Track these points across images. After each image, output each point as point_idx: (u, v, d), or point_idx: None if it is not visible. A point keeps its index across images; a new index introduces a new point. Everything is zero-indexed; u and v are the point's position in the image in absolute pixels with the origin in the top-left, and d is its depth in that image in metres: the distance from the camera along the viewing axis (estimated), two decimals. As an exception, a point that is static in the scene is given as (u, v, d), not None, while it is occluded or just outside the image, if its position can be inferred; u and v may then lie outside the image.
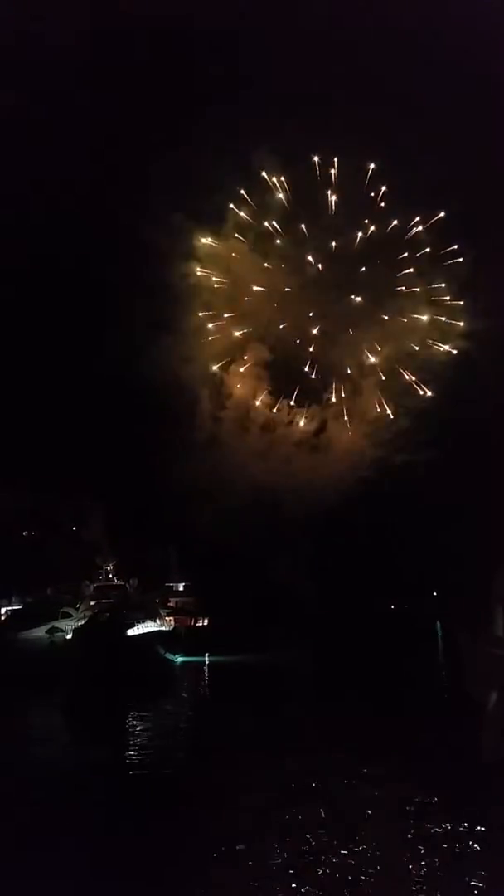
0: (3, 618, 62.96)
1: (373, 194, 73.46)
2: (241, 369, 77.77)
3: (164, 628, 61.38)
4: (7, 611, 63.55)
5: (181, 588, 73.33)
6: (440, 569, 69.20)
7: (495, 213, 63.54)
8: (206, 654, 61.29)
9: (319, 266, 76.15)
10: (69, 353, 70.84)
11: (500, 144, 62.02)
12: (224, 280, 76.77)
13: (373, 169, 71.35)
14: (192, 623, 69.72)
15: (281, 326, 77.72)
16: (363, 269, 75.36)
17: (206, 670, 58.41)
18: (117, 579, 68.49)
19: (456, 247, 72.01)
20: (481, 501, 62.75)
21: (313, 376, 78.45)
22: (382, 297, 75.54)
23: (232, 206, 73.98)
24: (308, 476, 75.67)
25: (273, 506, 75.05)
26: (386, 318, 76.56)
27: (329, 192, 73.88)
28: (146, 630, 57.14)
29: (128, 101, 65.72)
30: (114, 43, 61.20)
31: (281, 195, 74.41)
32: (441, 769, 26.49)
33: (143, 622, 57.92)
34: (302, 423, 78.72)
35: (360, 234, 74.88)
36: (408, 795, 23.36)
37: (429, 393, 75.59)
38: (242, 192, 73.79)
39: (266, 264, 76.25)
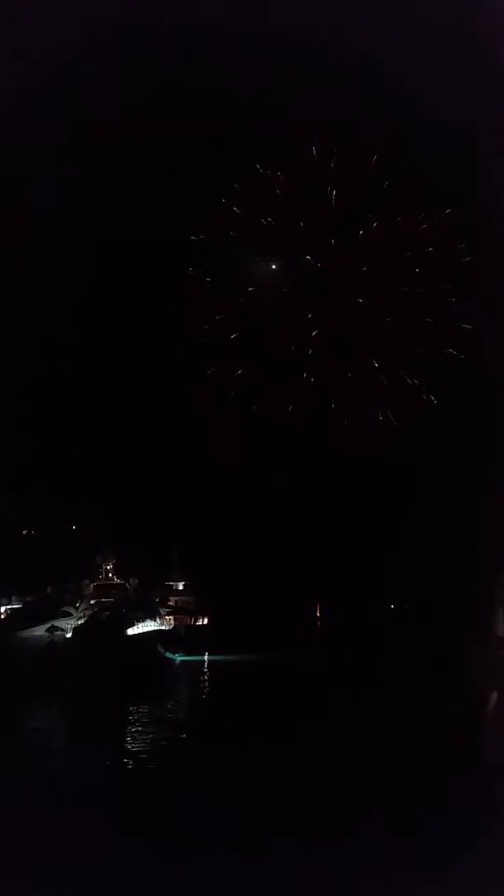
0: (2, 616, 62.96)
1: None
2: (238, 371, 77.49)
3: (164, 627, 61.43)
4: (7, 609, 63.54)
5: (181, 587, 73.33)
6: (440, 569, 69.14)
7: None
8: (206, 653, 61.35)
9: (318, 265, 75.75)
10: (67, 351, 70.80)
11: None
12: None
13: (377, 162, 70.24)
14: (192, 622, 69.75)
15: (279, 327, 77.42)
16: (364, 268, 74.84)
17: (206, 669, 58.45)
18: (117, 578, 68.49)
19: (463, 246, 71.34)
20: (482, 502, 62.81)
21: (313, 379, 78.14)
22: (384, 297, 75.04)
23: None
24: (307, 476, 75.47)
25: (270, 506, 74.93)
26: (388, 319, 76.22)
27: (330, 188, 73.03)
28: (146, 629, 57.16)
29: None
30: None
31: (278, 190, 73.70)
32: (442, 769, 26.47)
33: (143, 621, 57.94)
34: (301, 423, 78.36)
35: (361, 231, 74.36)
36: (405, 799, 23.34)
37: (433, 398, 75.15)
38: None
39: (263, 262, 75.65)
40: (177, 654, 58.76)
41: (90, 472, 71.52)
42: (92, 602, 62.17)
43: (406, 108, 63.09)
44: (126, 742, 33.44)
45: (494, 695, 35.32)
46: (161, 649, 55.86)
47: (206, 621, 70.80)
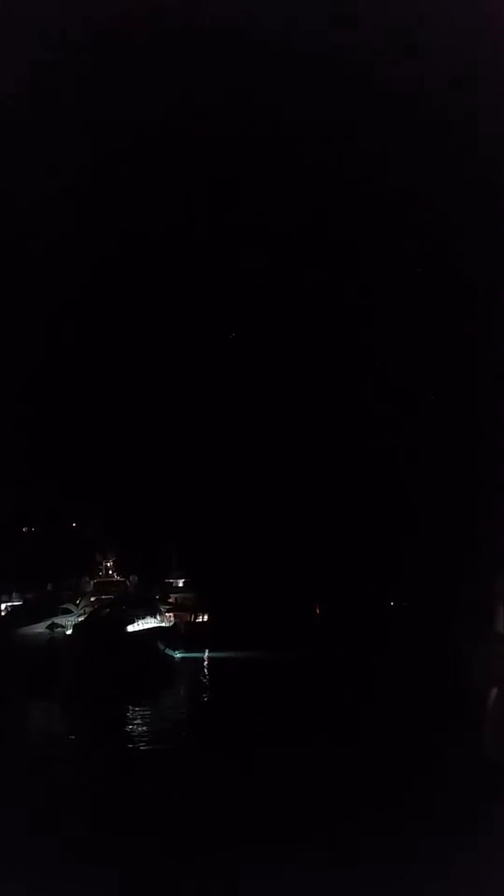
0: (2, 613, 63.06)
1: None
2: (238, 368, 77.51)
3: (164, 624, 61.53)
4: (7, 606, 63.64)
5: (181, 584, 73.47)
6: (440, 566, 69.21)
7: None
8: (206, 651, 61.47)
9: None
10: (67, 349, 70.84)
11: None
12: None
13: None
14: (192, 619, 69.90)
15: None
16: None
17: (206, 666, 58.57)
18: (117, 575, 68.62)
19: None
20: (482, 499, 62.88)
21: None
22: None
23: None
24: (307, 474, 75.61)
25: (270, 503, 75.05)
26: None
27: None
28: (146, 626, 57.28)
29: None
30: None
31: None
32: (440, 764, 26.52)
33: (143, 618, 58.05)
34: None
35: None
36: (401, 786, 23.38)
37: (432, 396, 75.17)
38: None
39: None
40: (177, 651, 58.91)
41: (90, 469, 71.70)
42: (92, 599, 62.31)
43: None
44: (125, 740, 33.49)
45: (494, 691, 35.46)
46: (161, 646, 55.95)
47: (205, 618, 70.97)
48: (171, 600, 70.42)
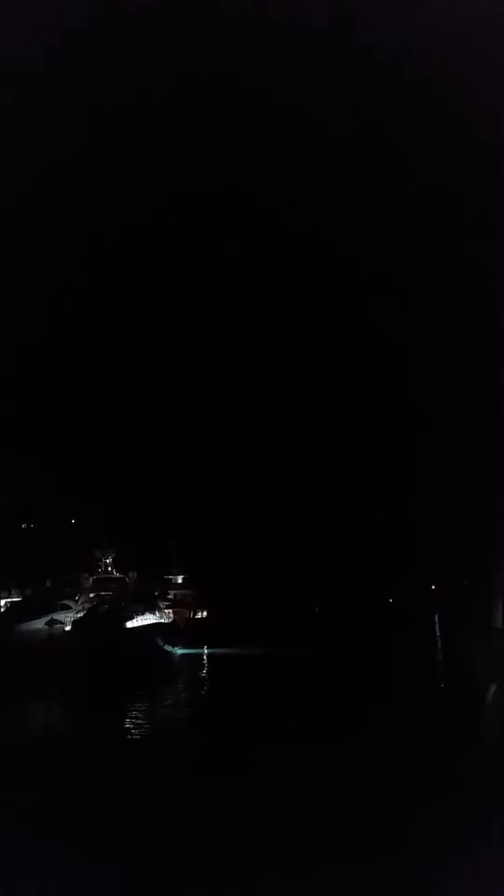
0: (2, 609, 63.06)
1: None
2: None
3: (163, 620, 61.59)
4: (6, 603, 63.65)
5: (180, 580, 73.54)
6: (439, 562, 69.29)
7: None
8: (205, 647, 61.53)
9: None
10: (66, 348, 70.81)
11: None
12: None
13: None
14: (191, 615, 69.98)
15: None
16: None
17: (205, 662, 58.60)
18: (116, 572, 68.60)
19: None
20: (480, 493, 62.90)
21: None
22: None
23: None
24: (307, 471, 75.58)
25: (270, 501, 75.07)
26: None
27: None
28: (145, 622, 57.33)
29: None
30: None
31: None
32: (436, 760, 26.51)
33: (143, 614, 58.11)
34: None
35: None
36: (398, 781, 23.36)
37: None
38: None
39: None
40: (176, 648, 58.94)
41: (90, 466, 71.77)
42: (91, 595, 62.27)
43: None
44: (125, 735, 33.47)
45: (493, 687, 35.40)
46: (160, 642, 55.98)
47: (204, 615, 71.05)
48: (170, 597, 70.50)
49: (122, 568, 69.08)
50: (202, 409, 78.44)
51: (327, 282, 75.55)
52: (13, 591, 64.20)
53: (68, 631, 54.91)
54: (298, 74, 58.95)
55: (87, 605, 59.76)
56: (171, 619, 64.08)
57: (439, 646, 56.10)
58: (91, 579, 66.19)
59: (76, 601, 61.60)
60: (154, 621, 59.14)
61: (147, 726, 34.72)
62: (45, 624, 56.45)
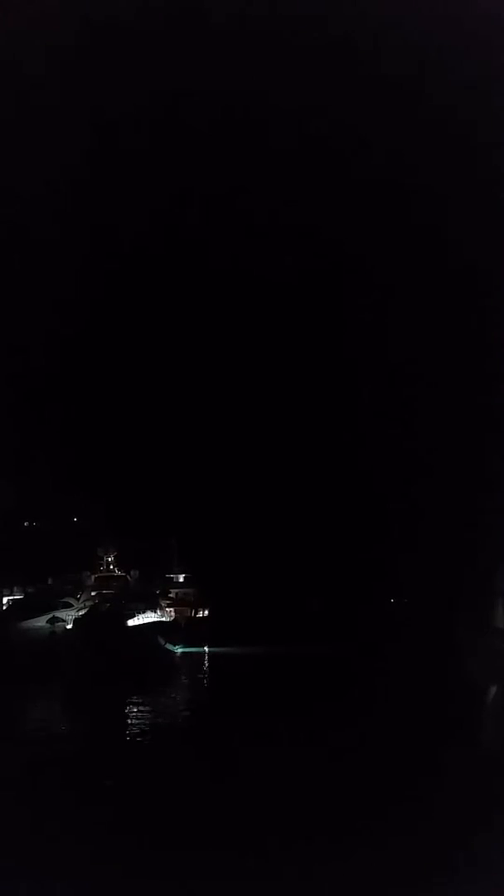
0: (4, 607, 63.19)
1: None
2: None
3: (164, 619, 61.64)
4: (8, 600, 63.79)
5: (181, 579, 73.59)
6: (441, 562, 69.30)
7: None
8: (206, 645, 61.61)
9: None
10: (67, 346, 70.96)
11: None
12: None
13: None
14: (193, 614, 70.03)
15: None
16: None
17: (206, 661, 58.71)
18: (118, 570, 68.70)
19: None
20: (480, 494, 62.93)
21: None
22: None
23: None
24: (309, 471, 75.60)
25: (271, 499, 75.13)
26: None
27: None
28: (146, 620, 57.39)
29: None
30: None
31: None
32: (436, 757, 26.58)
33: (144, 612, 58.18)
34: None
35: None
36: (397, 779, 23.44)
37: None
38: None
39: None
40: (177, 646, 59.00)
41: (92, 464, 71.84)
42: (93, 593, 62.38)
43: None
44: (126, 733, 33.57)
45: (493, 686, 35.51)
46: (161, 641, 56.04)
47: (206, 613, 71.11)
48: (171, 595, 70.54)
49: (124, 566, 69.17)
50: (204, 407, 78.49)
51: (329, 282, 75.55)
52: (15, 589, 64.35)
53: (70, 629, 55.02)
54: (297, 73, 59.17)
55: (88, 604, 59.85)
56: (172, 618, 64.12)
57: (439, 645, 55.92)
58: (93, 577, 66.30)
59: (78, 599, 61.70)
60: (155, 620, 59.21)
61: (147, 725, 34.79)
62: (47, 622, 56.54)
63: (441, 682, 43.20)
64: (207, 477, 74.52)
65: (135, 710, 38.09)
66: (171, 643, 57.96)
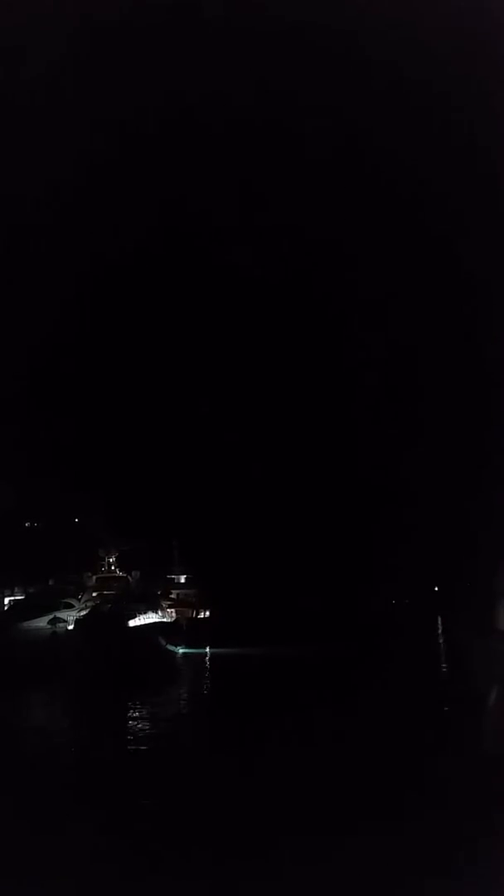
0: (5, 608, 63.25)
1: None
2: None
3: (165, 620, 61.73)
4: (9, 601, 63.86)
5: (183, 580, 73.65)
6: (441, 563, 69.27)
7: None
8: (208, 646, 61.64)
9: None
10: (67, 346, 70.91)
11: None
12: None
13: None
14: (194, 615, 70.07)
15: None
16: None
17: (208, 662, 58.72)
18: (119, 571, 68.80)
19: None
20: (481, 494, 62.87)
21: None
22: None
23: None
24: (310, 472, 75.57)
25: (273, 500, 75.10)
26: None
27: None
28: (148, 621, 57.47)
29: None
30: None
31: None
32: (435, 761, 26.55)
33: (145, 613, 58.29)
34: None
35: None
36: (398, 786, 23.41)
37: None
38: None
39: None
40: (178, 647, 59.03)
41: (93, 464, 71.86)
42: (94, 594, 62.50)
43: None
44: (128, 733, 33.54)
45: (494, 689, 35.39)
46: (163, 642, 56.10)
47: (207, 614, 71.15)
48: (172, 596, 70.61)
49: (125, 567, 69.26)
50: (205, 407, 78.45)
51: (325, 279, 75.47)
52: (16, 590, 64.43)
53: (71, 629, 55.10)
54: (294, 70, 59.02)
55: (89, 604, 59.97)
56: (173, 619, 64.20)
57: (441, 646, 56.07)
58: (94, 578, 66.44)
59: (79, 600, 61.82)
60: (157, 620, 59.31)
61: (149, 727, 34.75)
62: (48, 622, 56.63)
63: (441, 684, 43.27)
64: (208, 477, 74.55)
65: (135, 712, 38.08)
66: (172, 644, 58.03)
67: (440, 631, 68.25)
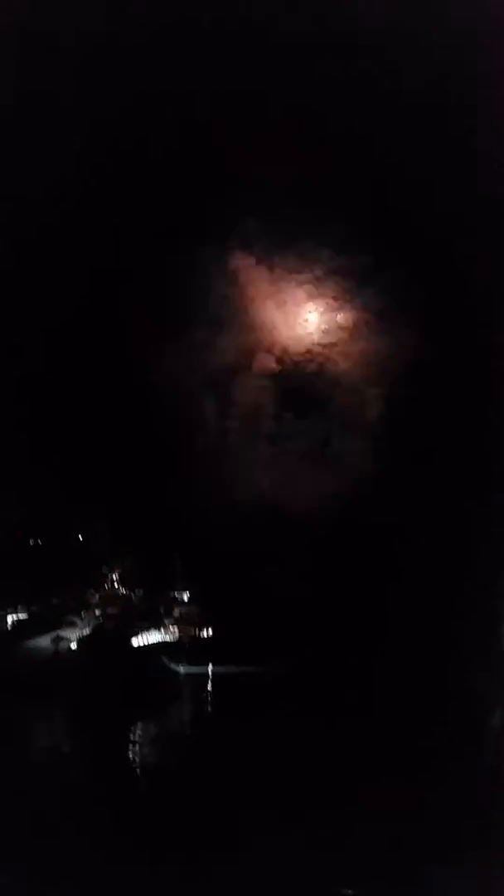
0: (7, 626, 63.06)
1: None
2: (248, 379, 77.57)
3: (168, 638, 61.49)
4: (11, 619, 63.66)
5: (186, 598, 73.34)
6: (443, 573, 68.93)
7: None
8: (211, 665, 61.33)
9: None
10: (75, 362, 70.95)
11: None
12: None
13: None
14: (197, 633, 69.71)
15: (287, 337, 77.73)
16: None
17: (210, 681, 58.43)
18: (123, 588, 68.60)
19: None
20: (491, 506, 62.63)
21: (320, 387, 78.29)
22: None
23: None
24: (312, 486, 75.39)
25: (276, 515, 74.87)
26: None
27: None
28: (151, 640, 57.27)
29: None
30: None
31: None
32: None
33: (148, 631, 58.08)
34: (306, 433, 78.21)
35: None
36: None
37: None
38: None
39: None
40: (181, 665, 58.73)
41: (97, 480, 71.64)
42: (97, 612, 62.32)
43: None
44: (130, 754, 33.42)
45: (498, 711, 35.23)
46: (165, 660, 55.88)
47: (210, 632, 70.76)
48: (175, 614, 70.31)
49: (129, 584, 69.04)
50: (208, 422, 78.56)
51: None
52: (19, 607, 64.24)
53: (74, 648, 54.92)
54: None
55: (92, 622, 59.82)
56: (176, 637, 63.91)
57: (446, 656, 54.98)
58: (97, 596, 66.22)
59: (82, 618, 61.65)
60: (159, 638, 59.09)
61: (150, 749, 34.57)
62: (51, 641, 56.46)
63: (445, 698, 42.68)
64: (213, 494, 74.37)
65: (138, 733, 37.92)
66: (174, 662, 57.74)
67: (446, 640, 67.17)
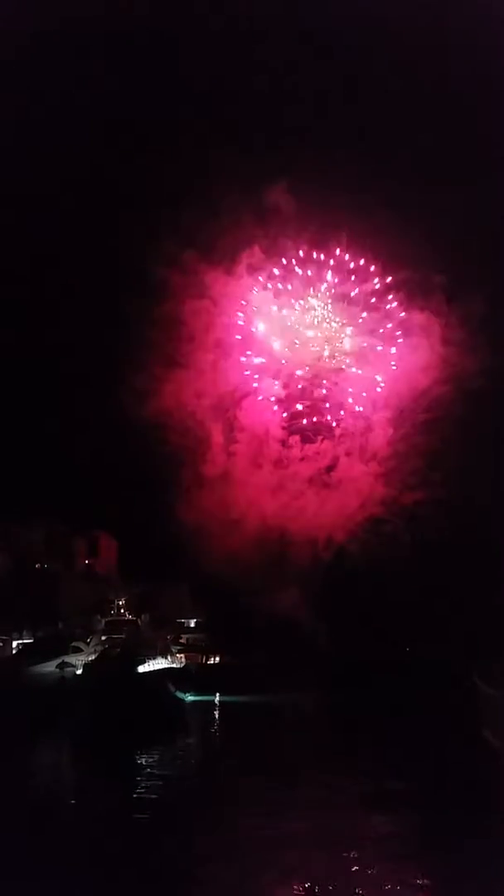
0: (14, 652, 62.71)
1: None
2: (253, 405, 77.95)
3: (174, 665, 60.80)
4: (18, 645, 63.33)
5: (192, 624, 72.88)
6: (456, 614, 68.23)
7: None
8: (217, 694, 60.60)
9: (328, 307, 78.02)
10: (82, 390, 71.47)
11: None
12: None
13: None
14: (204, 660, 69.06)
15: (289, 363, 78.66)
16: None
17: (217, 710, 57.74)
18: (129, 614, 68.25)
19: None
20: (496, 544, 62.26)
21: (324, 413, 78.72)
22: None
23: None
24: (318, 513, 75.28)
25: (282, 542, 74.61)
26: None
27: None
28: (157, 666, 56.63)
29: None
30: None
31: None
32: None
33: (154, 658, 57.49)
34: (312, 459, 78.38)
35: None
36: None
37: None
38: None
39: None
40: (187, 694, 57.89)
41: (103, 507, 71.61)
42: (103, 638, 61.83)
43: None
44: (134, 791, 32.76)
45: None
46: (171, 688, 55.12)
47: (217, 660, 70.06)
48: (182, 640, 69.75)
49: (135, 611, 68.76)
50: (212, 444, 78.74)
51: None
52: (25, 633, 63.93)
53: (80, 674, 54.34)
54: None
55: (98, 648, 59.27)
56: (182, 664, 63.22)
57: (451, 694, 54.03)
58: (103, 622, 65.83)
59: (88, 644, 61.17)
60: (166, 666, 58.41)
61: (153, 787, 33.82)
62: (57, 667, 55.91)
63: (456, 741, 41.40)
64: (219, 521, 74.18)
65: (142, 768, 37.31)
66: (181, 691, 56.93)
67: (456, 681, 66.25)
